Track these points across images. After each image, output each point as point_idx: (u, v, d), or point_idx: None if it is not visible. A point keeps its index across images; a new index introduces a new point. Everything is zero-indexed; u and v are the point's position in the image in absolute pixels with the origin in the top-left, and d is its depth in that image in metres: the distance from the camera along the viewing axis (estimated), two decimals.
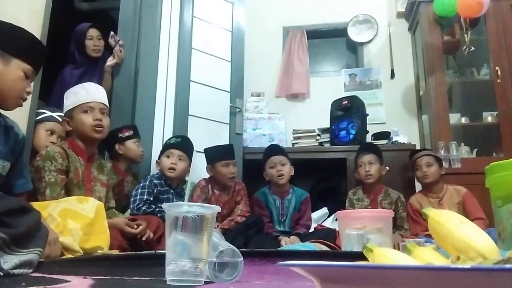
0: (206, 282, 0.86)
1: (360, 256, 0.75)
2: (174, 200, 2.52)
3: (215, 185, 2.76)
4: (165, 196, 2.49)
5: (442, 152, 3.29)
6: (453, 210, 2.67)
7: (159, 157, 2.58)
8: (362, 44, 4.19)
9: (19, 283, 0.87)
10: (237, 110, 3.44)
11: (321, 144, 3.66)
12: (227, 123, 3.36)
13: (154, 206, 2.33)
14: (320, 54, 4.36)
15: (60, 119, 2.10)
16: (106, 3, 4.05)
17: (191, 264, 0.84)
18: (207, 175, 2.79)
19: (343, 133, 3.51)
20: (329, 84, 4.14)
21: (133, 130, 2.63)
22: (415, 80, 4.04)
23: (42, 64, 1.57)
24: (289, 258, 0.60)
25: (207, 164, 2.76)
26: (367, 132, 3.58)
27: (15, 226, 1.06)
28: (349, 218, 1.85)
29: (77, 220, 1.54)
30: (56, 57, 2.69)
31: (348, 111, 3.56)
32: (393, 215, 1.94)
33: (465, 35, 3.30)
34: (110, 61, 2.86)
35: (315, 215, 3.08)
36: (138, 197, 2.37)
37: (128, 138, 2.59)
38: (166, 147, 2.58)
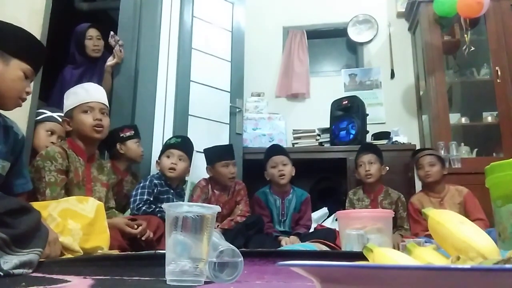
0: (206, 282, 0.86)
1: (360, 256, 0.75)
2: (174, 200, 2.52)
3: (215, 185, 2.76)
4: (165, 196, 2.49)
5: (442, 152, 3.29)
6: (454, 210, 2.66)
7: (159, 157, 2.58)
8: (362, 44, 4.19)
9: (19, 283, 0.87)
10: (237, 110, 3.44)
11: (321, 144, 3.66)
12: (227, 123, 3.36)
13: (154, 206, 2.33)
14: (320, 54, 4.36)
15: (60, 119, 2.10)
16: (106, 3, 4.05)
17: (191, 264, 0.84)
18: (207, 175, 2.79)
19: (343, 133, 3.51)
20: (329, 84, 4.14)
21: (134, 130, 2.64)
22: (415, 80, 4.04)
23: (41, 64, 1.57)
24: (289, 258, 0.60)
25: (207, 164, 2.76)
26: (367, 132, 3.59)
27: (15, 226, 1.06)
28: (349, 218, 1.85)
29: (77, 220, 1.54)
30: (56, 57, 2.69)
31: (348, 111, 3.56)
32: (393, 215, 1.94)
33: (465, 35, 3.30)
34: (110, 61, 2.86)
35: (315, 215, 3.08)
36: (138, 197, 2.37)
37: (130, 138, 2.59)
38: (166, 147, 2.58)
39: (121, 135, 2.57)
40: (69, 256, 1.43)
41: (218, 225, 2.54)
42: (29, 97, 2.03)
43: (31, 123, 2.11)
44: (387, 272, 0.42)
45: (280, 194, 2.86)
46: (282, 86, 4.17)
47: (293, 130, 3.73)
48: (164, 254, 0.87)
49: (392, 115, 3.95)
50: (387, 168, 2.96)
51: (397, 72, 4.06)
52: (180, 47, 3.17)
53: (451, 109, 3.60)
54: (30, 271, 1.06)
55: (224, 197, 2.76)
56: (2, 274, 0.97)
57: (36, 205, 1.38)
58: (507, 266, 0.37)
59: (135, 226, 1.96)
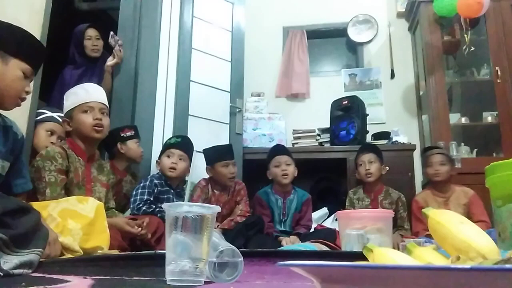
0: (206, 282, 0.86)
1: (360, 256, 0.75)
2: (174, 200, 2.52)
3: (215, 185, 2.76)
4: (165, 196, 2.49)
5: None
6: (459, 211, 2.67)
7: (159, 157, 2.58)
8: (362, 44, 4.19)
9: (19, 283, 0.87)
10: (237, 110, 3.44)
11: (321, 144, 3.66)
12: (227, 123, 3.36)
13: (154, 206, 2.33)
14: (320, 54, 4.36)
15: (60, 120, 2.10)
16: (106, 3, 4.05)
17: (191, 264, 0.84)
18: (207, 175, 2.79)
19: (343, 133, 3.51)
20: (329, 84, 4.14)
21: (135, 131, 2.64)
22: (415, 80, 4.04)
23: (41, 63, 1.57)
24: (289, 258, 0.60)
25: (207, 165, 2.76)
26: (367, 132, 3.59)
27: (15, 226, 1.06)
28: (349, 218, 1.85)
29: (77, 220, 1.54)
30: (56, 57, 2.69)
31: (348, 111, 3.56)
32: (393, 215, 1.94)
33: (465, 35, 3.30)
34: (110, 61, 2.86)
35: (315, 215, 3.08)
36: (138, 197, 2.37)
37: (130, 137, 2.59)
38: (167, 147, 2.58)
39: (122, 134, 2.57)
40: (69, 256, 1.43)
41: (218, 225, 2.54)
42: (29, 97, 2.03)
43: (31, 123, 2.11)
44: (387, 272, 0.42)
45: (281, 194, 2.86)
46: (282, 86, 4.17)
47: (293, 130, 3.73)
48: (164, 254, 0.87)
49: (392, 115, 3.95)
50: (387, 168, 2.96)
51: (397, 72, 4.06)
52: (180, 47, 3.17)
53: (451, 109, 3.60)
54: (30, 271, 1.05)
55: (224, 197, 2.76)
56: (2, 274, 0.97)
57: (36, 205, 1.38)
58: (507, 266, 0.37)
59: (135, 227, 1.96)
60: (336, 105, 3.66)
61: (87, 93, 1.97)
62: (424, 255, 0.68)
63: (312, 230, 2.80)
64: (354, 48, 4.27)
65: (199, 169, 2.88)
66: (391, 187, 2.98)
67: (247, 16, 3.72)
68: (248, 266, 1.03)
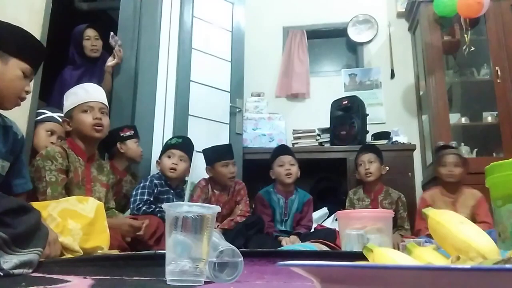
0: (206, 282, 0.86)
1: (360, 256, 0.75)
2: (174, 200, 2.52)
3: (215, 185, 2.76)
4: (165, 196, 2.49)
5: None
6: (465, 212, 2.67)
7: (160, 157, 2.58)
8: (362, 44, 4.19)
9: (19, 283, 0.87)
10: (237, 110, 3.44)
11: (321, 144, 3.66)
12: (227, 123, 3.36)
13: (153, 206, 2.33)
14: (320, 54, 4.36)
15: (60, 120, 2.10)
16: (106, 3, 4.05)
17: (191, 264, 0.84)
18: (207, 175, 2.79)
19: (343, 133, 3.51)
20: (329, 84, 4.14)
21: (134, 130, 2.64)
22: (415, 80, 4.04)
23: (41, 63, 1.57)
24: (289, 258, 0.60)
25: (206, 165, 2.76)
26: (367, 132, 3.59)
27: (15, 226, 1.06)
28: (349, 218, 1.85)
29: (77, 220, 1.54)
30: (56, 58, 2.69)
31: (348, 111, 3.56)
32: (393, 215, 1.94)
33: (465, 35, 3.30)
34: (110, 62, 2.86)
35: (315, 215, 3.08)
36: (138, 197, 2.37)
37: (129, 137, 2.59)
38: (167, 147, 2.58)
39: (121, 134, 2.57)
40: (69, 256, 1.43)
41: (218, 225, 2.54)
42: (29, 97, 2.03)
43: (31, 123, 2.11)
44: (387, 272, 0.42)
45: (284, 194, 2.87)
46: (282, 86, 4.17)
47: (293, 130, 3.73)
48: (164, 254, 0.87)
49: (392, 115, 3.95)
50: (387, 168, 2.96)
51: (397, 72, 4.06)
52: (180, 47, 3.17)
53: (451, 109, 3.60)
54: (30, 271, 1.05)
55: (224, 197, 2.76)
56: (2, 274, 0.97)
57: (36, 205, 1.38)
58: (507, 266, 0.37)
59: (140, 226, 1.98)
60: (336, 105, 3.66)
61: (86, 93, 1.97)
62: (424, 255, 0.68)
63: (312, 230, 2.80)
64: (354, 48, 4.27)
65: (199, 169, 2.88)
66: (391, 187, 2.98)
67: (247, 16, 3.72)
68: (248, 266, 1.03)
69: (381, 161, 2.93)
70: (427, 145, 3.74)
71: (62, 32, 2.80)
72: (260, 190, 2.94)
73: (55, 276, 1.00)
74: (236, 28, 3.58)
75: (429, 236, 2.25)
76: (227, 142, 3.19)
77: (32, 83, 1.89)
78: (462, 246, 0.66)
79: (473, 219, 2.66)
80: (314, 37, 4.29)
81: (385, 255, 0.67)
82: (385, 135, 3.57)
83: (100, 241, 1.59)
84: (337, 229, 2.37)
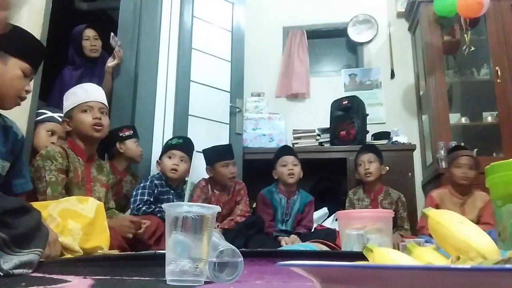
0: (206, 282, 0.86)
1: (360, 256, 0.75)
2: (175, 200, 2.52)
3: (215, 185, 2.76)
4: (166, 196, 2.48)
5: (442, 152, 3.29)
6: (473, 214, 2.66)
7: (160, 157, 2.58)
8: (362, 44, 4.19)
9: (19, 283, 0.87)
10: (237, 110, 3.44)
11: (321, 144, 3.66)
12: (227, 123, 3.36)
13: (154, 207, 2.33)
14: (320, 54, 4.36)
15: (61, 120, 2.10)
16: (106, 3, 4.05)
17: (191, 264, 0.84)
18: (207, 175, 2.79)
19: (343, 133, 3.51)
20: (329, 84, 4.14)
21: (133, 130, 2.64)
22: (415, 80, 4.04)
23: (40, 62, 1.57)
24: (289, 258, 0.60)
25: (207, 165, 2.76)
26: (367, 132, 3.59)
27: (15, 226, 1.06)
28: (349, 218, 1.85)
29: (77, 220, 1.54)
30: (56, 58, 2.69)
31: (348, 111, 3.56)
32: (393, 215, 1.94)
33: (465, 35, 3.30)
34: (111, 62, 2.86)
35: (315, 215, 3.08)
36: (138, 197, 2.37)
37: (129, 137, 2.59)
38: (168, 147, 2.58)
39: (120, 134, 2.58)
40: (69, 256, 1.43)
41: (218, 225, 2.54)
42: (29, 97, 2.03)
43: (31, 123, 2.11)
44: (387, 272, 0.42)
45: (286, 194, 2.88)
46: (282, 86, 4.17)
47: (293, 130, 3.73)
48: (164, 254, 0.87)
49: (392, 115, 3.95)
50: (387, 168, 2.96)
51: (397, 72, 4.06)
52: (180, 47, 3.17)
53: (451, 109, 3.60)
54: (30, 271, 1.05)
55: (224, 197, 2.76)
56: (2, 274, 0.97)
57: (36, 205, 1.37)
58: (507, 266, 0.37)
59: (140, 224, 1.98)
60: (336, 105, 3.66)
61: (86, 93, 1.97)
62: (424, 255, 0.68)
63: (312, 230, 2.81)
64: (354, 48, 4.27)
65: (199, 169, 2.88)
66: (391, 187, 2.98)
67: (247, 16, 3.72)
68: (248, 266, 1.03)
69: (381, 161, 2.93)
70: (427, 145, 3.74)
71: (62, 32, 2.79)
72: (262, 189, 2.95)
73: (55, 276, 1.00)
74: (236, 28, 3.58)
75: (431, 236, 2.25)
76: (227, 142, 3.19)
77: (32, 83, 1.89)
78: (462, 246, 0.66)
79: (479, 221, 2.66)
80: (314, 37, 4.29)
81: (385, 255, 0.67)
82: (385, 135, 3.57)
83: (100, 241, 1.59)
84: (337, 229, 2.37)
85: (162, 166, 2.53)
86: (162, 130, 2.96)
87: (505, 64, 3.46)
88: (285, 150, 2.99)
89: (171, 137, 2.78)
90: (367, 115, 3.60)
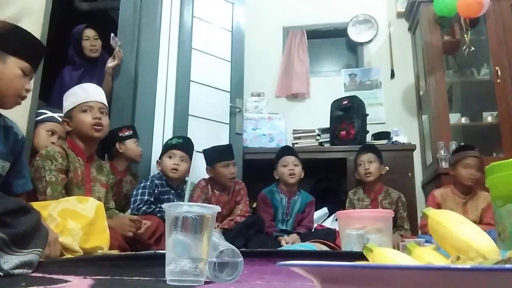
0: (206, 282, 0.86)
1: (360, 256, 0.75)
2: (175, 200, 2.52)
3: (215, 185, 2.76)
4: (166, 196, 2.48)
5: (442, 152, 3.29)
6: (475, 214, 2.66)
7: (160, 157, 2.58)
8: (362, 44, 4.19)
9: (19, 283, 0.87)
10: (237, 110, 3.44)
11: (321, 144, 3.66)
12: (227, 123, 3.36)
13: (154, 207, 2.33)
14: (320, 54, 4.36)
15: (61, 120, 2.10)
16: (106, 3, 4.05)
17: (191, 264, 0.84)
18: (207, 175, 2.79)
19: (343, 133, 3.51)
20: (329, 84, 4.14)
21: (133, 130, 2.64)
22: (415, 80, 4.04)
23: (40, 61, 1.56)
24: (289, 258, 0.60)
25: (207, 165, 2.76)
26: (367, 132, 3.59)
27: (15, 226, 1.06)
28: (349, 218, 1.85)
29: (77, 220, 1.54)
30: (56, 58, 2.69)
31: (348, 111, 3.56)
32: (393, 215, 1.94)
33: (465, 35, 3.30)
34: (111, 63, 2.86)
35: (315, 215, 3.08)
36: (138, 197, 2.37)
37: (128, 137, 2.59)
38: (168, 147, 2.58)
39: (120, 134, 2.57)
40: (69, 256, 1.43)
41: (218, 225, 2.54)
42: (29, 97, 2.03)
43: (31, 123, 2.11)
44: (387, 272, 0.42)
45: (287, 194, 2.89)
46: (282, 86, 4.17)
47: (293, 130, 3.73)
48: (164, 254, 0.87)
49: (392, 115, 3.95)
50: (387, 168, 2.96)
51: (397, 72, 4.06)
52: (180, 47, 3.17)
53: (451, 109, 3.60)
54: (30, 271, 1.05)
55: (224, 197, 2.76)
56: (2, 274, 0.97)
57: (36, 205, 1.38)
58: (507, 266, 0.37)
59: (140, 223, 1.98)
60: (336, 105, 3.66)
61: (86, 93, 1.97)
62: (424, 255, 0.68)
63: (312, 230, 2.81)
64: (354, 48, 4.27)
65: (199, 169, 2.88)
66: (391, 187, 2.98)
67: (247, 16, 3.72)
68: (248, 266, 1.03)
69: (380, 161, 2.94)
70: (427, 145, 3.74)
71: (62, 32, 2.79)
72: (263, 189, 2.96)
73: (55, 276, 1.00)
74: (236, 28, 3.58)
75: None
76: (227, 142, 3.20)
77: (32, 83, 1.88)
78: (462, 246, 0.66)
79: (482, 221, 2.65)
80: (314, 37, 4.29)
81: (385, 255, 0.67)
82: (385, 135, 3.57)
83: (100, 241, 1.59)
84: (337, 229, 2.37)
85: (162, 166, 2.53)
86: (162, 130, 2.96)
87: (505, 64, 3.46)
88: (286, 151, 3.00)
89: (171, 137, 2.78)
90: (367, 115, 3.59)
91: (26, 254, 1.06)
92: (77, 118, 1.92)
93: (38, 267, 1.09)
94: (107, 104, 2.05)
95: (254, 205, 3.09)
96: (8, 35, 1.42)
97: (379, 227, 1.73)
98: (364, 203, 2.94)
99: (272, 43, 4.29)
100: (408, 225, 2.90)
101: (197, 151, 2.80)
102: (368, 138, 3.60)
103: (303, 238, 2.58)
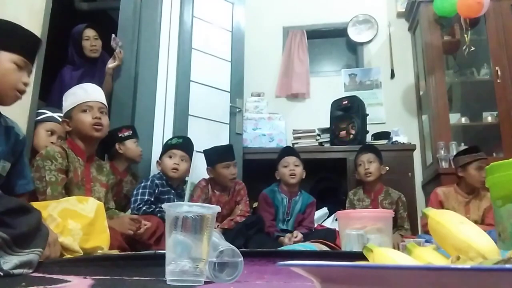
0: (206, 282, 0.86)
1: (360, 256, 0.75)
2: (175, 200, 2.52)
3: (215, 185, 2.76)
4: (166, 196, 2.48)
5: (442, 152, 3.29)
6: (477, 214, 2.65)
7: (160, 157, 2.58)
8: (362, 44, 4.19)
9: (19, 283, 0.87)
10: (237, 110, 3.44)
11: (321, 144, 3.65)
12: (227, 123, 3.36)
13: (154, 206, 2.33)
14: (320, 54, 4.36)
15: (60, 120, 2.10)
16: (106, 3, 4.05)
17: (191, 264, 0.84)
18: (207, 175, 2.79)
19: (343, 133, 3.51)
20: (329, 84, 4.14)
21: (132, 130, 2.64)
22: (415, 80, 4.04)
23: (35, 52, 1.53)
24: (289, 258, 0.60)
25: (207, 165, 2.76)
26: (367, 132, 3.58)
27: (16, 226, 1.06)
28: (349, 218, 1.85)
29: (77, 220, 1.54)
30: (56, 58, 2.69)
31: (348, 111, 3.56)
32: (393, 215, 1.94)
33: (465, 35, 3.30)
34: (112, 63, 2.86)
35: (315, 215, 3.09)
36: (139, 197, 2.37)
37: (128, 137, 2.59)
38: (168, 147, 2.58)
39: (120, 135, 2.57)
40: (69, 256, 1.42)
41: (218, 225, 2.54)
42: (29, 97, 2.04)
43: (31, 123, 2.11)
44: (387, 272, 0.42)
45: (288, 194, 2.89)
46: (282, 86, 4.17)
47: (293, 130, 3.73)
48: (164, 254, 0.87)
49: (392, 115, 3.95)
50: (387, 168, 2.96)
51: (397, 72, 4.06)
52: (180, 47, 3.17)
53: (451, 109, 3.60)
54: (30, 271, 1.05)
55: (224, 197, 2.76)
56: (2, 274, 0.97)
57: (36, 205, 1.37)
58: (507, 266, 0.37)
59: (140, 223, 1.98)
60: (336, 105, 3.65)
61: (85, 93, 1.97)
62: (424, 255, 0.68)
63: (312, 230, 2.81)
64: (354, 48, 4.26)
65: (199, 169, 2.88)
66: (391, 187, 2.98)
67: (247, 16, 3.72)
68: (248, 266, 1.03)
69: (380, 161, 2.94)
70: (427, 145, 3.74)
71: (62, 32, 2.79)
72: (263, 189, 2.96)
73: (55, 276, 1.00)
74: (236, 28, 3.58)
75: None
76: (227, 142, 3.20)
77: (32, 83, 1.88)
78: (462, 246, 0.66)
79: (484, 221, 2.65)
80: (314, 37, 4.29)
81: (385, 255, 0.67)
82: (385, 135, 3.57)
83: (100, 241, 1.59)
84: (337, 229, 2.37)
85: (162, 166, 2.53)
86: (162, 130, 2.96)
87: (505, 64, 3.46)
88: (287, 151, 3.01)
89: (171, 137, 2.78)
90: (367, 115, 3.59)
91: (26, 254, 1.06)
92: (77, 118, 1.92)
93: (38, 267, 1.09)
94: (106, 104, 2.05)
95: (254, 205, 3.09)
96: None
97: (379, 227, 1.73)
98: (364, 203, 2.94)
99: (272, 43, 4.29)
100: (408, 225, 2.90)
101: (197, 151, 2.80)
102: (368, 138, 3.60)
103: (303, 238, 2.59)
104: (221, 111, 3.35)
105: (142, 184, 2.44)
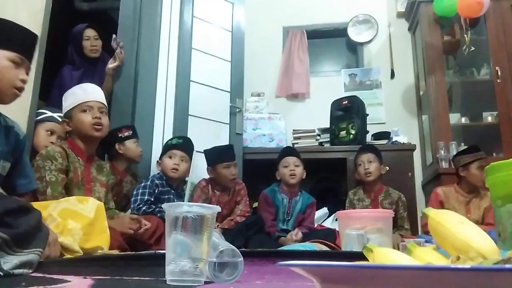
0: (206, 282, 0.86)
1: (360, 256, 0.75)
2: (175, 200, 2.52)
3: (215, 185, 2.76)
4: (166, 196, 2.49)
5: (442, 152, 3.29)
6: (477, 214, 2.65)
7: (160, 157, 2.58)
8: (362, 44, 4.19)
9: (19, 283, 0.87)
10: (237, 110, 3.44)
11: (321, 144, 3.65)
12: (227, 123, 3.36)
13: (154, 206, 2.33)
14: (320, 54, 4.36)
15: (60, 120, 2.10)
16: (106, 3, 4.05)
17: (191, 264, 0.84)
18: (207, 175, 2.79)
19: (343, 133, 3.51)
20: (329, 84, 4.14)
21: (132, 130, 2.64)
22: (415, 80, 4.04)
23: (31, 48, 1.51)
24: (289, 258, 0.60)
25: (208, 166, 2.76)
26: (367, 132, 3.58)
27: (16, 226, 1.06)
28: (349, 218, 1.85)
29: (77, 220, 1.54)
30: (56, 58, 2.69)
31: (348, 111, 3.56)
32: (393, 215, 1.94)
33: (465, 35, 3.30)
34: (112, 64, 2.86)
35: (315, 215, 3.09)
36: (139, 197, 2.37)
37: (128, 138, 2.59)
38: (168, 147, 2.58)
39: (120, 135, 2.57)
40: (69, 256, 1.42)
41: (218, 225, 2.54)
42: (29, 97, 2.03)
43: (31, 123, 2.11)
44: (387, 272, 0.42)
45: (288, 194, 2.90)
46: (282, 86, 4.17)
47: (293, 130, 3.73)
48: (164, 254, 0.87)
49: (392, 115, 3.95)
50: (387, 168, 2.96)
51: (397, 72, 4.06)
52: (180, 47, 3.17)
53: (451, 109, 3.60)
54: (30, 271, 1.05)
55: (225, 197, 2.76)
56: (2, 274, 0.97)
57: (36, 205, 1.37)
58: (507, 266, 0.37)
59: (140, 223, 1.97)
60: (336, 105, 3.65)
61: (85, 93, 1.97)
62: (424, 255, 0.68)
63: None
64: (354, 48, 4.27)
65: (199, 169, 2.88)
66: (391, 187, 2.98)
67: (247, 16, 3.72)
68: (248, 266, 1.03)
69: (380, 161, 2.94)
70: (427, 145, 3.74)
71: (62, 32, 2.79)
72: (263, 189, 2.96)
73: (55, 276, 1.00)
74: (236, 28, 3.58)
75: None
76: (227, 142, 3.20)
77: (32, 83, 1.88)
78: (462, 246, 0.66)
79: (484, 221, 2.65)
80: (314, 37, 4.29)
81: (385, 255, 0.67)
82: (385, 135, 3.57)
83: (100, 241, 1.59)
84: (337, 229, 2.37)
85: (162, 166, 2.53)
86: (162, 130, 2.96)
87: (505, 64, 3.46)
88: (288, 151, 3.02)
89: (171, 137, 2.78)
90: (367, 115, 3.59)
91: (26, 254, 1.06)
92: (77, 118, 1.92)
93: (38, 267, 1.09)
94: (106, 104, 2.05)
95: (254, 205, 3.10)
96: None
97: (379, 227, 1.73)
98: (364, 203, 2.94)
99: (272, 43, 4.29)
100: (408, 225, 2.90)
101: (197, 151, 2.80)
102: (368, 138, 3.60)
103: (303, 238, 2.59)
104: (221, 111, 3.35)
105: (142, 184, 2.44)
